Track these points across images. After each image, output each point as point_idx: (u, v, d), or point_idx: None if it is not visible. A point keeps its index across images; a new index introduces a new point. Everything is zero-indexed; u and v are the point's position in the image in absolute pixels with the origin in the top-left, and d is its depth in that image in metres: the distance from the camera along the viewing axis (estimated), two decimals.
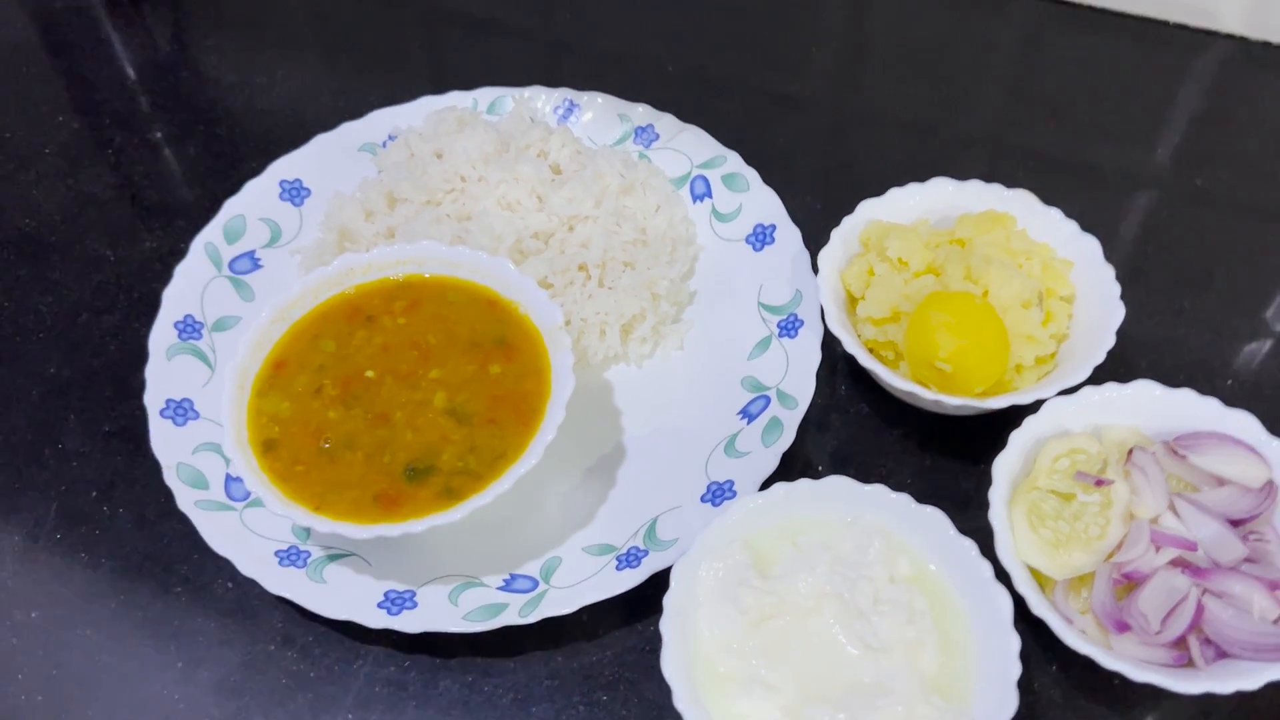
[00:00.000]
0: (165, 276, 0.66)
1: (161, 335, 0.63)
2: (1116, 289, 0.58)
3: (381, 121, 0.74)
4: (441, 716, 0.52)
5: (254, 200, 0.70)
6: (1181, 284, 0.67)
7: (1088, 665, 0.49)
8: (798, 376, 0.60)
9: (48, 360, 0.67)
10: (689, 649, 0.48)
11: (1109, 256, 0.59)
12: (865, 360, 0.56)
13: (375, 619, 0.52)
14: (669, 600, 0.48)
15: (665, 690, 0.46)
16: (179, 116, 0.82)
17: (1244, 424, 0.53)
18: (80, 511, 0.60)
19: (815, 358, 0.60)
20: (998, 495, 0.51)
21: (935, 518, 0.50)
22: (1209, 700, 0.50)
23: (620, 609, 0.54)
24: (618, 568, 0.54)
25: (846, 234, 0.61)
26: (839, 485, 0.51)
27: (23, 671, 0.54)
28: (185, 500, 0.56)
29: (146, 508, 0.59)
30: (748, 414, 0.60)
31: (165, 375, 0.61)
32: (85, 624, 0.56)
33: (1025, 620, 0.49)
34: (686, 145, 0.71)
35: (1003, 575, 0.49)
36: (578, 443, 0.59)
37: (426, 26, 0.89)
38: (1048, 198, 0.62)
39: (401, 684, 0.53)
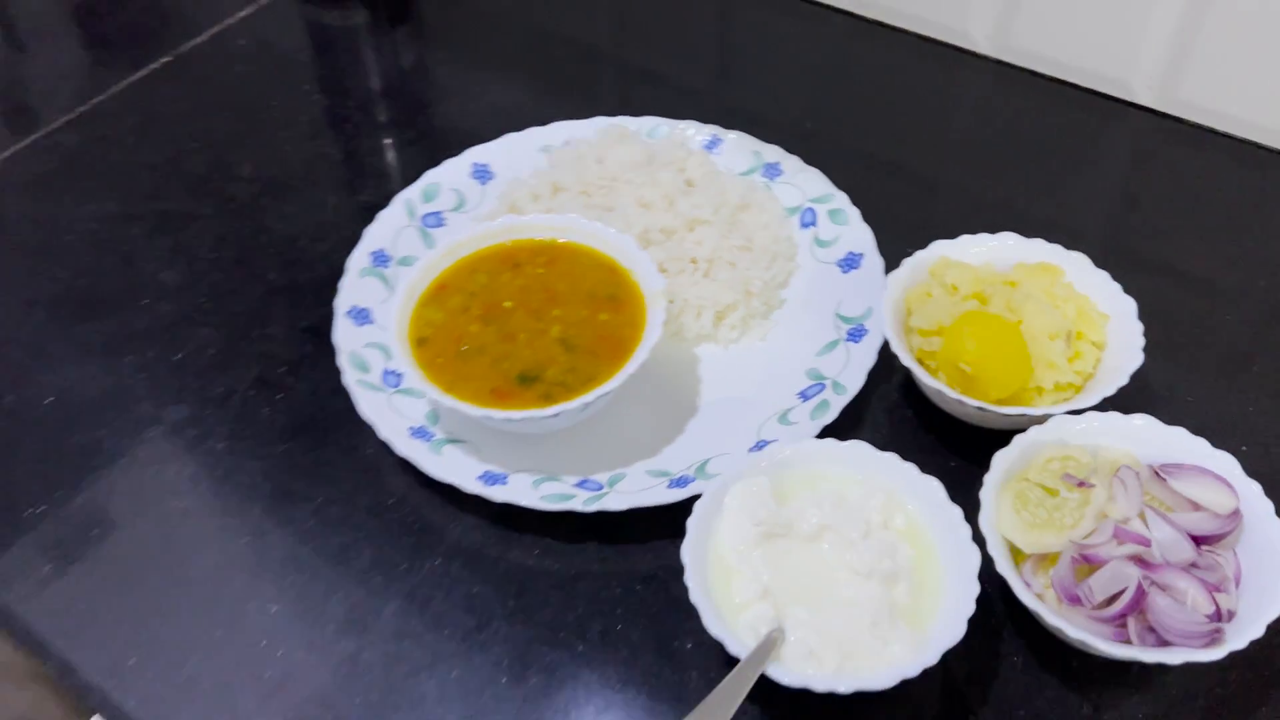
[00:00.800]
0: (369, 221, 0.84)
1: (357, 260, 0.80)
2: (1141, 341, 0.66)
3: (561, 130, 0.90)
4: (503, 579, 0.65)
5: (448, 174, 0.87)
6: (1216, 359, 0.75)
7: (1048, 639, 0.57)
8: (853, 371, 0.71)
9: (270, 269, 0.85)
10: (706, 544, 0.59)
11: (1146, 322, 0.68)
12: (904, 357, 0.66)
13: (473, 487, 0.66)
14: (698, 505, 0.60)
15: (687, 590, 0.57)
16: (405, 111, 1.01)
17: (1225, 463, 0.60)
18: (272, 379, 0.77)
19: (871, 359, 0.71)
20: (991, 479, 0.60)
21: (933, 485, 0.60)
22: (1150, 679, 0.57)
23: (667, 524, 0.65)
24: (668, 486, 0.66)
25: (916, 264, 0.72)
26: (858, 448, 0.62)
27: (205, 484, 0.71)
28: (350, 379, 0.72)
29: (320, 385, 0.75)
30: (804, 395, 0.71)
31: (354, 288, 0.78)
32: (256, 458, 0.72)
33: (1006, 603, 0.58)
34: (804, 182, 0.84)
35: (980, 541, 0.58)
36: (658, 390, 0.72)
37: (616, 73, 1.06)
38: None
39: (481, 546, 0.67)
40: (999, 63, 1.00)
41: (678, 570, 0.57)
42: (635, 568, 0.65)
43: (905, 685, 0.53)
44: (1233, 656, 0.54)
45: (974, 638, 0.55)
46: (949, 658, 0.54)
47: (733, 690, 0.53)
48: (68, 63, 1.11)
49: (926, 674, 0.53)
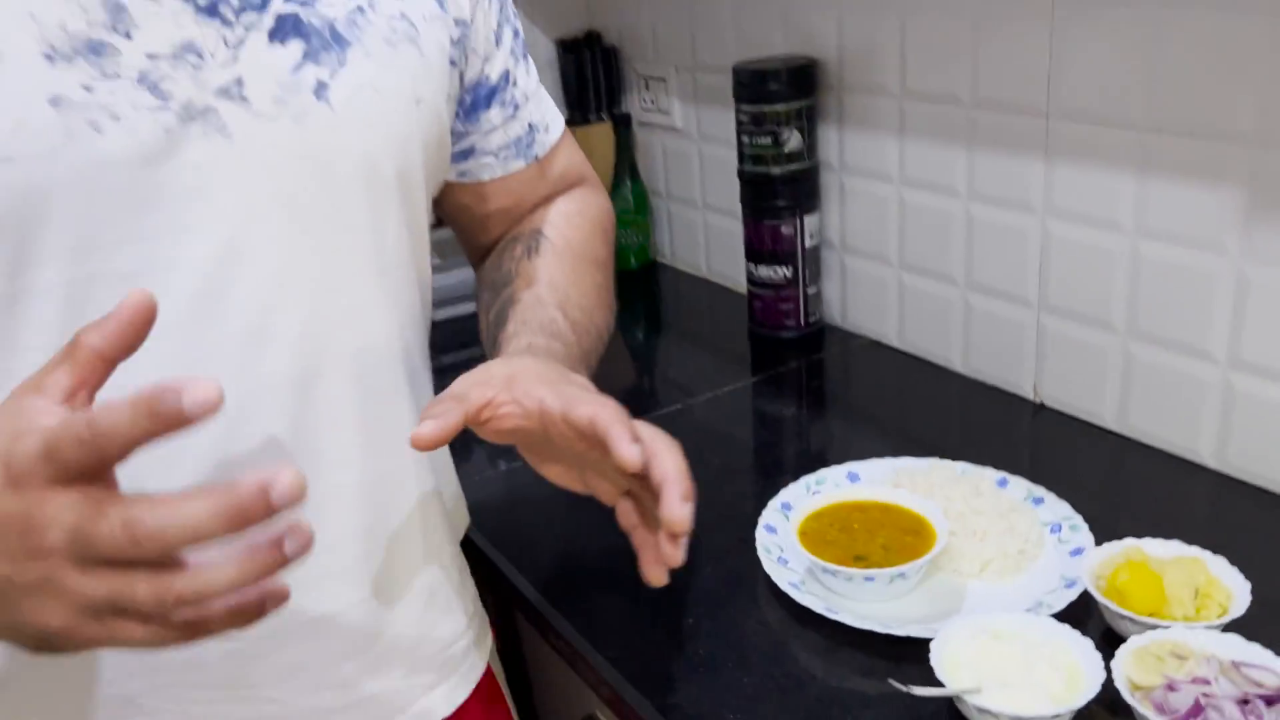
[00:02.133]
0: (781, 487, 1.43)
1: (772, 503, 1.39)
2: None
3: (909, 461, 1.46)
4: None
5: (832, 473, 1.45)
6: None
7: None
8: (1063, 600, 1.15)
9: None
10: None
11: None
12: (1092, 590, 1.10)
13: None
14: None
15: None
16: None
17: None
18: None
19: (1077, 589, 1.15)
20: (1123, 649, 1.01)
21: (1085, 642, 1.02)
22: None
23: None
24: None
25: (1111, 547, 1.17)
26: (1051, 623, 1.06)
27: None
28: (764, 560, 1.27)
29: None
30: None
31: (769, 514, 1.36)
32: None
33: None
34: (1059, 513, 1.32)
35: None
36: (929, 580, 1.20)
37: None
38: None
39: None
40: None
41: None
42: None
43: None
44: None
45: None
46: None
47: None
48: None
49: None
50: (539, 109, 1.12)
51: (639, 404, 1.76)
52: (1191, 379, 1.39)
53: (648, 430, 0.86)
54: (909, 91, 1.68)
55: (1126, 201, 1.41)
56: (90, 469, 0.58)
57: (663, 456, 0.83)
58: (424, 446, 0.82)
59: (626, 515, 0.93)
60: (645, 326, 2.19)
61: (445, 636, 1.07)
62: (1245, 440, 1.36)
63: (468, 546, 1.35)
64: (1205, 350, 1.37)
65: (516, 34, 1.08)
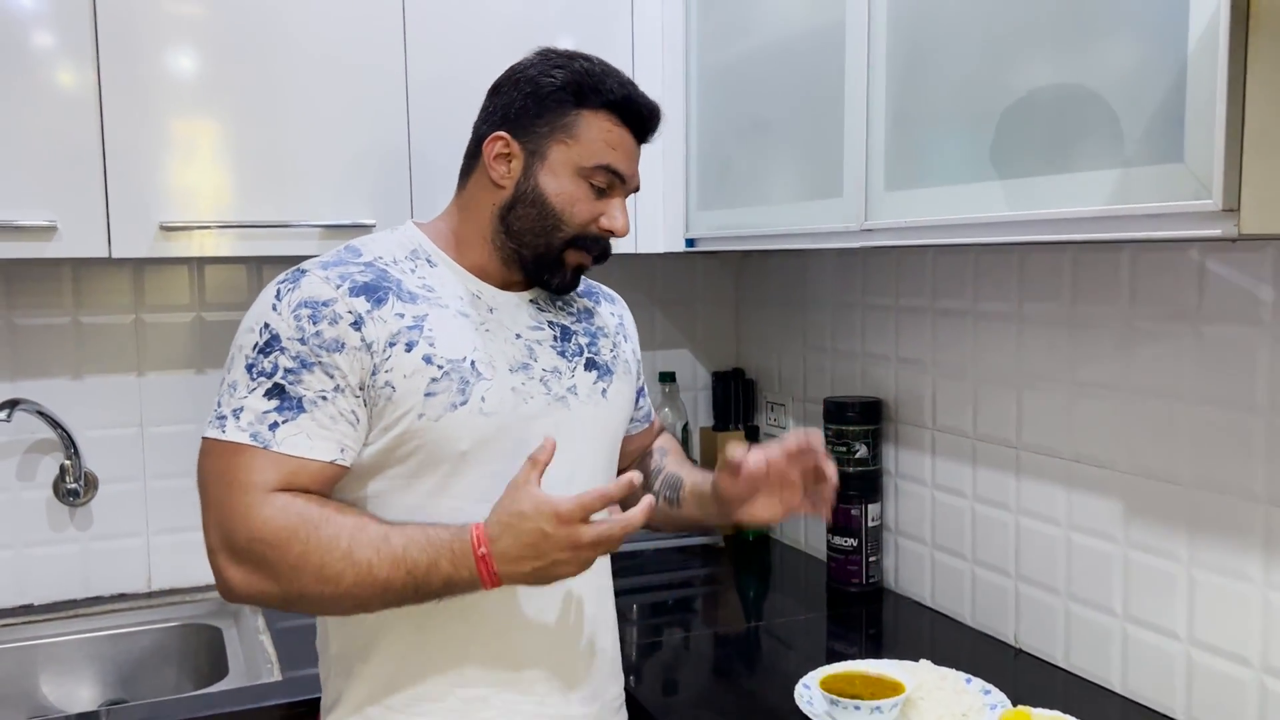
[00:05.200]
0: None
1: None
2: None
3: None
4: None
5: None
6: None
7: None
8: None
9: None
10: None
11: None
12: None
13: None
14: None
15: None
16: None
17: None
18: None
19: None
20: None
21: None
22: None
23: None
24: None
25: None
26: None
27: None
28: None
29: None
30: None
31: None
32: None
33: None
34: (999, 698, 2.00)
35: None
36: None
37: None
38: None
39: None
40: None
41: None
42: None
43: None
44: None
45: None
46: None
47: None
48: None
49: None
50: (649, 401, 2.06)
51: (748, 619, 2.54)
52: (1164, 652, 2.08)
53: (791, 438, 1.69)
54: (938, 425, 2.53)
55: (1061, 505, 2.18)
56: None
57: (810, 447, 1.69)
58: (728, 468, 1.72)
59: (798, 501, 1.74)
60: (757, 583, 2.97)
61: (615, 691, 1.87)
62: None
63: None
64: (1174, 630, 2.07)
65: (640, 373, 2.00)
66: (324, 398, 1.51)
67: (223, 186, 2.27)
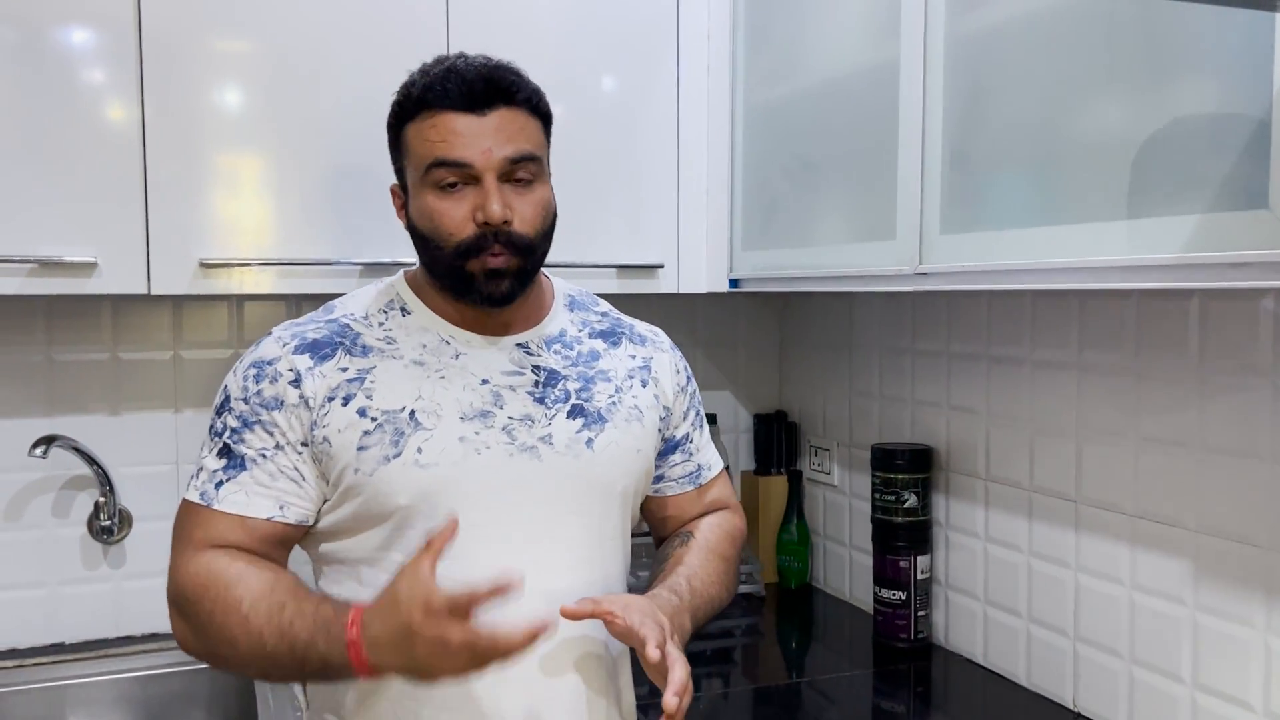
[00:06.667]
0: None
1: None
2: None
3: None
4: None
5: None
6: None
7: None
8: None
9: None
10: None
11: None
12: None
13: None
14: None
15: None
16: None
17: None
18: None
19: None
20: None
21: None
22: None
23: None
24: None
25: None
26: None
27: None
28: None
29: None
30: None
31: None
32: None
33: None
34: None
35: None
36: None
37: None
38: None
39: None
40: None
41: None
42: None
43: None
44: None
45: None
46: None
47: None
48: None
49: None
50: (706, 456, 1.83)
51: (789, 673, 2.44)
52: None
53: (676, 652, 1.42)
54: (991, 476, 2.44)
55: (1124, 564, 2.07)
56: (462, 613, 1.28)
57: (677, 667, 1.39)
58: (567, 615, 1.42)
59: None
60: (799, 635, 2.87)
61: None
62: None
63: None
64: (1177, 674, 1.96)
65: (698, 413, 1.81)
66: (264, 455, 1.51)
67: (263, 223, 2.25)
